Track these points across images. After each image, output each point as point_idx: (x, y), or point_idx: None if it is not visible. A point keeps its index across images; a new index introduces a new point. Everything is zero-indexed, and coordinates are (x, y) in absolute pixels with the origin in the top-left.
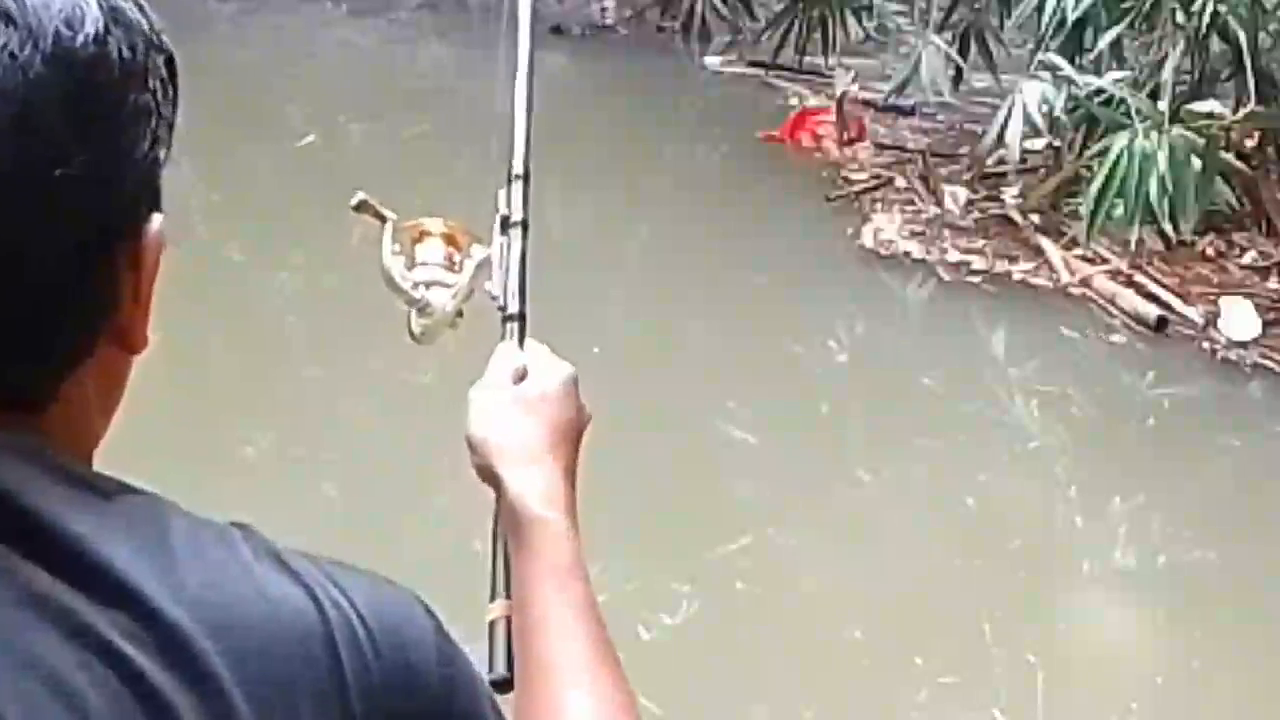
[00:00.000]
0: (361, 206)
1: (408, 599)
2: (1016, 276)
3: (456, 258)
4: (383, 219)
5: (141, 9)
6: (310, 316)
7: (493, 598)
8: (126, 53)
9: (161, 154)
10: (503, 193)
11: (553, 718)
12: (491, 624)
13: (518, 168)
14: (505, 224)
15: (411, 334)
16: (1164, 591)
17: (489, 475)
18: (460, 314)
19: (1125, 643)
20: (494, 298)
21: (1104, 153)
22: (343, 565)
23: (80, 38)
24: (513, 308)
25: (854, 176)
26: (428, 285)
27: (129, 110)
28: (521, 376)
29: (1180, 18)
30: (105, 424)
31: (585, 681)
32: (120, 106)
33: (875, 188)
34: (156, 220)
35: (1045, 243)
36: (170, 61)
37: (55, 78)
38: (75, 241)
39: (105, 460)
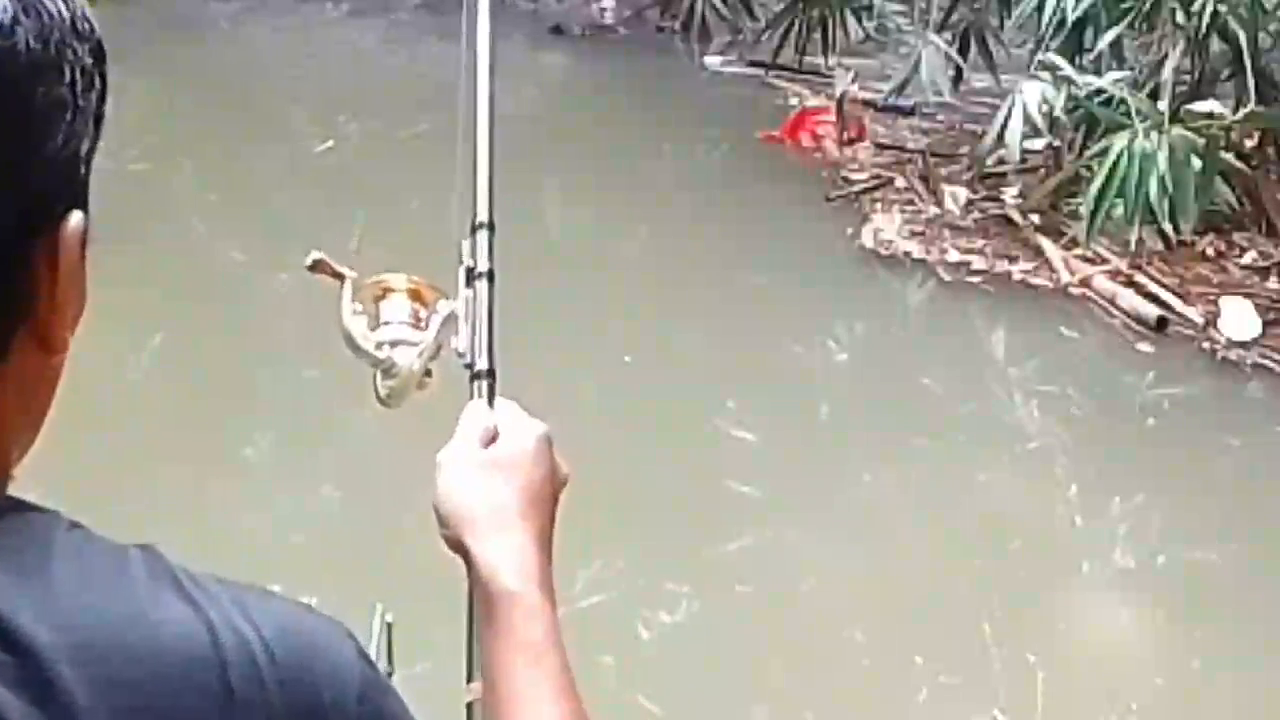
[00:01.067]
0: (317, 266)
1: (329, 632)
2: (1016, 276)
3: (422, 314)
4: (341, 277)
5: None
6: (310, 317)
7: (469, 678)
8: (35, 44)
9: (82, 148)
10: (466, 244)
11: None
12: (469, 706)
13: (482, 216)
14: (470, 276)
15: (378, 397)
16: (1164, 591)
17: (458, 547)
18: (429, 373)
19: (1125, 643)
20: (460, 354)
21: (1104, 153)
22: (265, 594)
23: None
24: (481, 364)
25: (854, 176)
26: (393, 345)
27: (38, 104)
28: (492, 438)
29: (1180, 18)
30: (30, 432)
31: None
32: (27, 101)
33: (875, 188)
34: (76, 218)
35: (1045, 243)
36: (97, 50)
37: None
38: None
39: (106, 460)
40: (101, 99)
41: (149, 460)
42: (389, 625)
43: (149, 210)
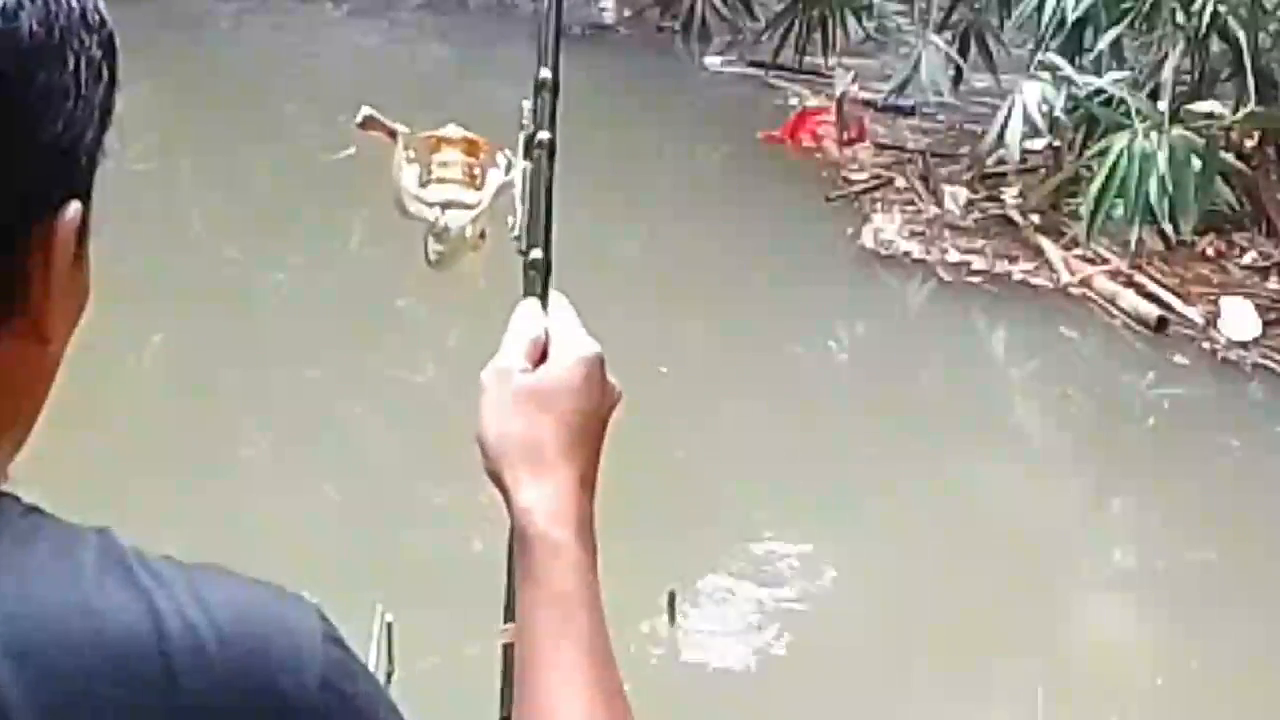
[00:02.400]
0: (367, 123)
1: (291, 614)
2: (1016, 276)
3: (477, 171)
4: (394, 134)
5: None
6: (310, 316)
7: (506, 619)
8: (39, 30)
9: (85, 138)
10: (527, 103)
11: None
12: (504, 648)
13: (544, 73)
14: (529, 144)
15: (427, 259)
16: (1164, 591)
17: (497, 481)
18: (483, 235)
19: (1125, 642)
20: (515, 237)
21: (1104, 153)
22: (222, 576)
23: None
24: (536, 253)
25: (854, 176)
26: (445, 206)
27: (37, 90)
28: (541, 354)
29: (1180, 18)
30: (21, 425)
31: None
32: (26, 86)
33: (875, 188)
34: (73, 208)
35: (1045, 243)
36: (107, 42)
37: None
38: None
39: (106, 459)
40: (110, 91)
41: (148, 460)
42: (389, 625)
43: (149, 210)
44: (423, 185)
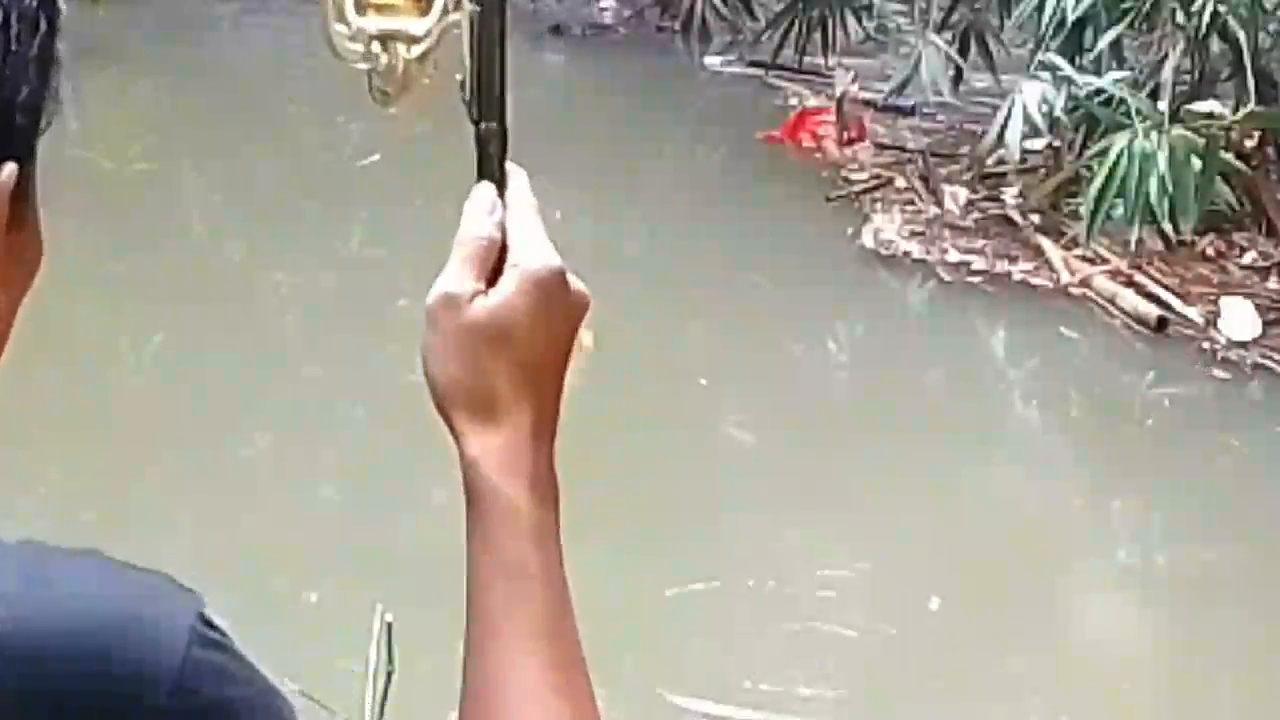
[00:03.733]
0: None
1: (145, 610)
2: (1016, 276)
3: None
4: None
5: None
6: (310, 316)
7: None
8: None
9: (18, 97)
10: None
11: None
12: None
13: None
14: None
15: (373, 96)
16: (1164, 591)
17: (445, 420)
18: (435, 64)
19: (1125, 642)
20: (465, 98)
21: (1104, 153)
22: (70, 566)
23: None
24: (489, 121)
25: (854, 176)
26: (384, 41)
27: None
28: (496, 262)
29: (1180, 18)
30: None
31: (538, 713)
32: None
33: (875, 188)
34: (6, 171)
35: (1045, 243)
36: None
37: None
38: None
39: (106, 459)
40: (49, 41)
41: (149, 460)
42: (389, 625)
43: (150, 210)
44: (360, 12)
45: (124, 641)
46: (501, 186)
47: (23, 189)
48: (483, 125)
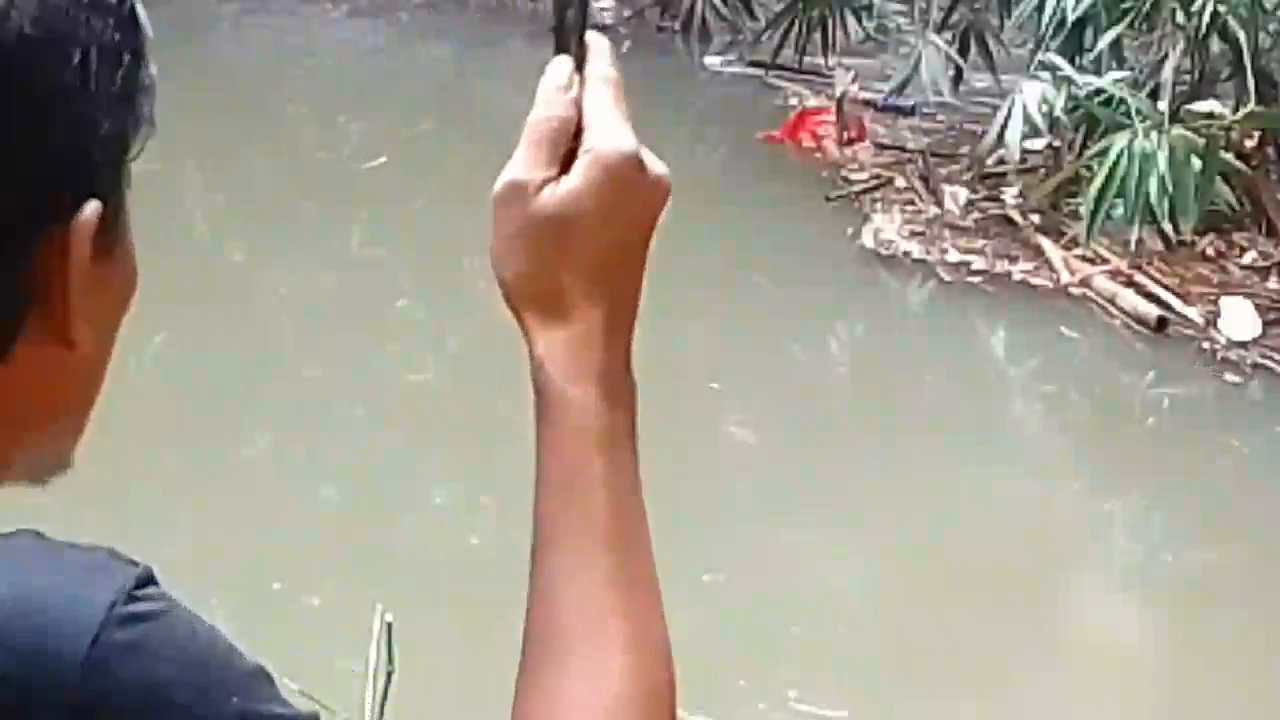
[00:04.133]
0: None
1: (71, 586)
2: (1016, 276)
3: None
4: None
5: None
6: (310, 316)
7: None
8: (32, 30)
9: (98, 132)
10: None
11: (541, 696)
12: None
13: None
14: None
15: None
16: (1164, 591)
17: (514, 314)
18: None
19: (1125, 642)
20: None
21: (1104, 153)
22: (14, 542)
23: None
24: None
25: (854, 176)
26: None
27: (32, 94)
28: (570, 147)
29: (1180, 18)
30: (42, 430)
31: (592, 637)
32: (19, 91)
33: (875, 188)
34: (88, 210)
35: (1045, 243)
36: (125, 21)
37: None
38: None
39: (106, 459)
40: (133, 73)
41: (149, 460)
42: (389, 625)
43: (150, 210)
44: None
45: (32, 624)
46: (580, 61)
47: (108, 222)
48: None
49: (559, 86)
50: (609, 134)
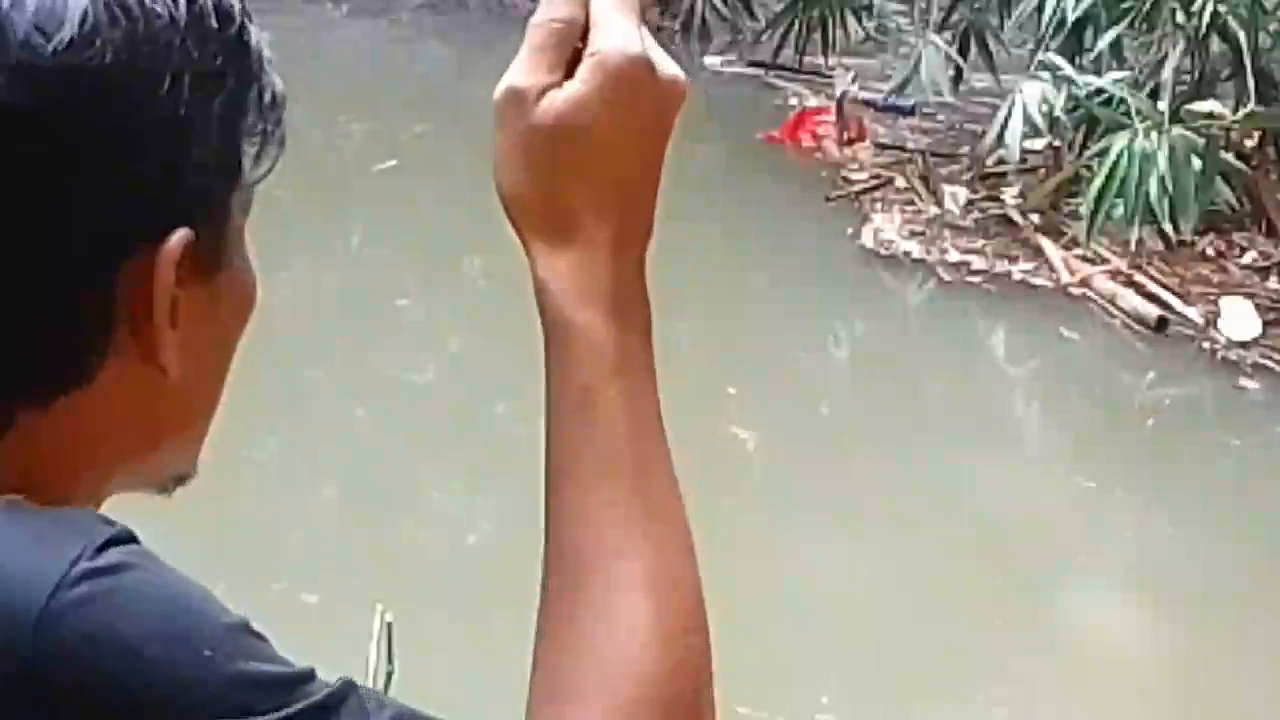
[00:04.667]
0: None
1: (36, 546)
2: (1016, 276)
3: None
4: None
5: None
6: (311, 316)
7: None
8: (125, 56)
9: (189, 159)
10: None
11: (554, 644)
12: None
13: None
14: None
15: None
16: (1164, 591)
17: (517, 233)
18: None
19: (1125, 642)
20: None
21: (1104, 153)
22: (2, 512)
23: (53, 45)
24: None
25: (854, 176)
26: None
27: (116, 126)
28: (575, 51)
29: (1180, 18)
30: (138, 453)
31: (607, 577)
32: (97, 123)
33: (875, 188)
34: (176, 239)
35: (1045, 243)
36: (228, 46)
37: (18, 93)
38: (40, 275)
39: None
40: (235, 99)
41: None
42: (389, 625)
43: None
44: None
45: (8, 588)
46: None
47: (206, 248)
48: None
49: None
50: (615, 35)
